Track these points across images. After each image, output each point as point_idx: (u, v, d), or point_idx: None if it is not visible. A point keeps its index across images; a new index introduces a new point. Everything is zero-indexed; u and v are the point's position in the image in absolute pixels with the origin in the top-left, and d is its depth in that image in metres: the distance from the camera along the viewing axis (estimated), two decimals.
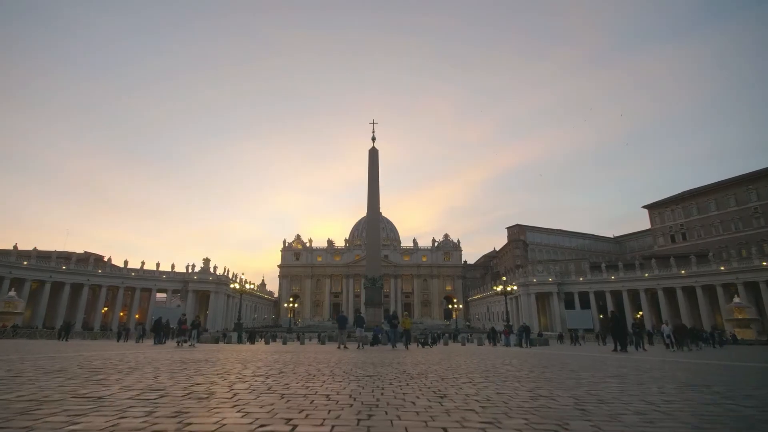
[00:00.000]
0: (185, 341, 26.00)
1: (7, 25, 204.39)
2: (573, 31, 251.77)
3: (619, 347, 24.32)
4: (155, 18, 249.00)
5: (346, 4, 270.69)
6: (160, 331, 26.42)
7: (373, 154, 56.14)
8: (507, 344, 37.57)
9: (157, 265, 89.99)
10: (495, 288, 49.01)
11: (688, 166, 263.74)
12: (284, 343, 39.12)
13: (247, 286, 54.38)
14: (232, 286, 65.41)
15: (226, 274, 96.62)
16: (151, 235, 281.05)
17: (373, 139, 56.77)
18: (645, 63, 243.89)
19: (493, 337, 41.72)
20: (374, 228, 57.32)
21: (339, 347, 25.63)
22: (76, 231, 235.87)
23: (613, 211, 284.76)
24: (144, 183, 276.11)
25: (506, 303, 43.54)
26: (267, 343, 39.23)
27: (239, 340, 39.14)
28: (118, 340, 37.52)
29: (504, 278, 47.44)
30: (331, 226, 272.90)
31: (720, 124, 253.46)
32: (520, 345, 34.89)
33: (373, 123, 57.34)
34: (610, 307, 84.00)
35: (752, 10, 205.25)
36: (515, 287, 52.32)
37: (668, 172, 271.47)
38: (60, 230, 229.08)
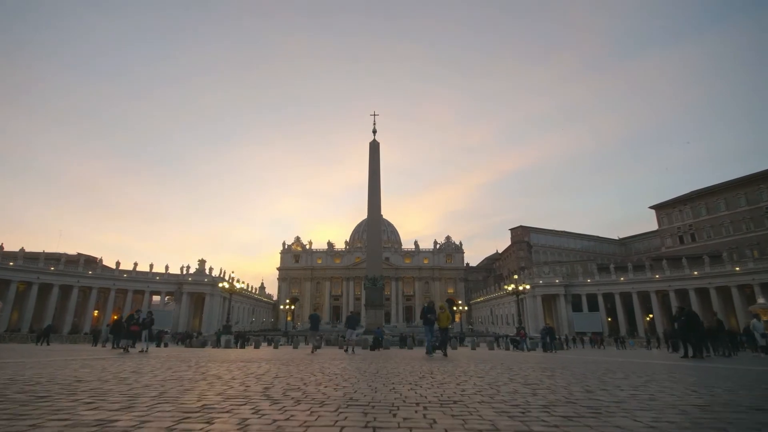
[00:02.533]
0: (131, 345, 21.94)
1: (11, 29, 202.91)
2: (572, 36, 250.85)
3: (690, 352, 19.01)
4: (156, 23, 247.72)
5: (348, 10, 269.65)
6: (119, 333, 23.41)
7: (374, 147, 53.41)
8: (522, 348, 34.44)
9: (151, 266, 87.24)
10: (506, 288, 46.20)
11: (687, 169, 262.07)
12: (275, 347, 36.32)
13: (238, 285, 51.37)
14: (221, 285, 62.36)
15: (222, 275, 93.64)
16: (150, 239, 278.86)
17: (374, 131, 54.08)
18: (643, 67, 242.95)
19: (517, 341, 36.70)
20: (375, 224, 54.56)
21: (311, 352, 22.35)
22: (76, 234, 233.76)
23: (614, 213, 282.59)
24: (144, 187, 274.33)
25: (518, 304, 40.57)
26: (257, 347, 36.42)
27: (218, 344, 36.21)
28: (93, 344, 35.17)
29: (516, 276, 44.56)
30: (331, 229, 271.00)
31: (719, 126, 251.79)
32: (544, 349, 31.18)
33: (374, 115, 54.82)
34: (619, 309, 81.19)
35: (750, 13, 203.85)
36: (527, 286, 49.49)
37: (668, 175, 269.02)
38: (57, 233, 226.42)
